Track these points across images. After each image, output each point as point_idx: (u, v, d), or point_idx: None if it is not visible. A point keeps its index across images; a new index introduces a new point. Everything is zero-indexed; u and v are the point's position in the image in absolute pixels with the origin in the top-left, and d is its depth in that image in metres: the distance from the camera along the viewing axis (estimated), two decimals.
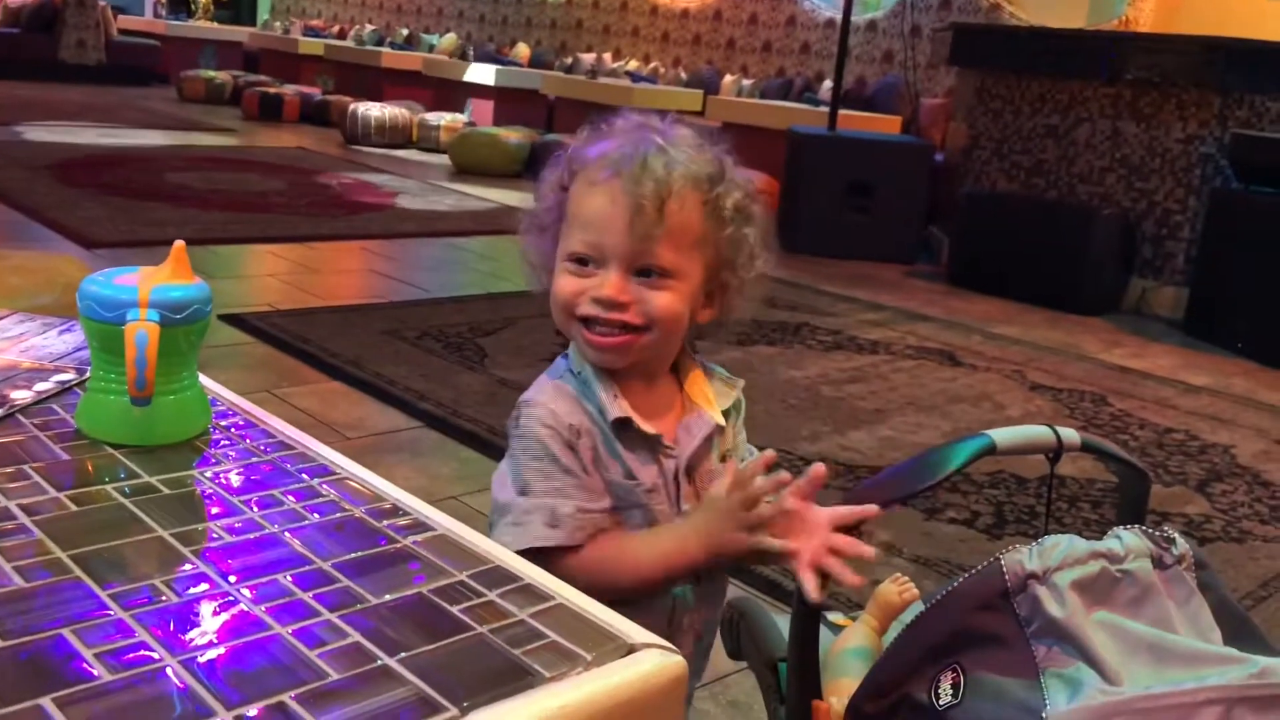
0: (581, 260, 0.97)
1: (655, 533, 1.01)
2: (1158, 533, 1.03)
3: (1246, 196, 4.12)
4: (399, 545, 0.57)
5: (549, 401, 1.01)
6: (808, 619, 1.10)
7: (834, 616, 1.36)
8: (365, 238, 4.66)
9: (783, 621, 1.21)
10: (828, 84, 6.42)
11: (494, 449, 2.43)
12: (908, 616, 1.12)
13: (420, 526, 0.60)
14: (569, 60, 8.99)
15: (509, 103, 7.94)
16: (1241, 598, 2.19)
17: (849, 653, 1.24)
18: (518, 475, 1.00)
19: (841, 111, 5.55)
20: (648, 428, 1.01)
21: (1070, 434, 1.17)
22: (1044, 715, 0.90)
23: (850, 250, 5.06)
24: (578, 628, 0.49)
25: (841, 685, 1.13)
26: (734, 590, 1.93)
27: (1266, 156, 4.08)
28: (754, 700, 1.50)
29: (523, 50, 9.51)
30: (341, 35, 11.38)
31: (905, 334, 3.83)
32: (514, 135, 6.88)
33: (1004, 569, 0.99)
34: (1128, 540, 1.01)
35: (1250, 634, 0.97)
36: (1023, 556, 1.00)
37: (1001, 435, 1.13)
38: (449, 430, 2.53)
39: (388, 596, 0.52)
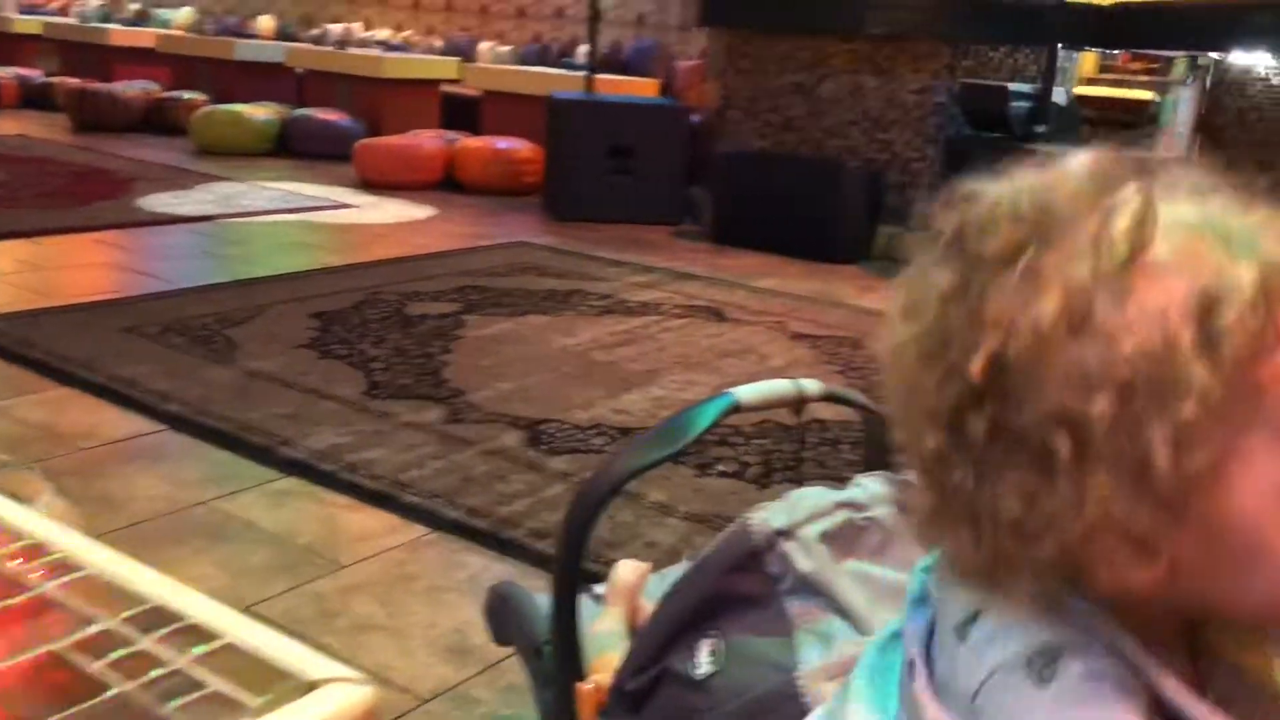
0: None
1: None
2: (899, 476, 1.04)
3: (977, 141, 4.37)
4: (36, 594, 0.49)
5: None
6: (566, 600, 1.07)
7: (602, 589, 1.33)
8: (100, 229, 4.31)
9: (548, 604, 1.17)
10: (584, 49, 6.39)
11: (246, 447, 2.30)
12: (656, 590, 1.10)
13: (66, 567, 0.52)
14: (317, 32, 8.60)
15: (254, 78, 7.53)
16: None
17: (610, 631, 1.21)
18: None
19: (599, 76, 5.54)
20: None
21: (811, 385, 1.17)
22: (795, 674, 0.90)
23: (617, 214, 5.06)
24: (247, 669, 0.43)
25: (605, 663, 1.10)
26: (500, 569, 1.90)
27: (991, 103, 4.33)
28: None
29: (265, 23, 9.03)
30: (63, 12, 10.49)
31: (673, 294, 3.86)
32: (261, 112, 6.53)
33: (750, 529, 0.98)
34: (870, 487, 1.02)
35: None
36: (769, 515, 0.99)
37: (745, 392, 1.12)
38: (196, 431, 2.37)
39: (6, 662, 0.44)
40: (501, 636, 1.30)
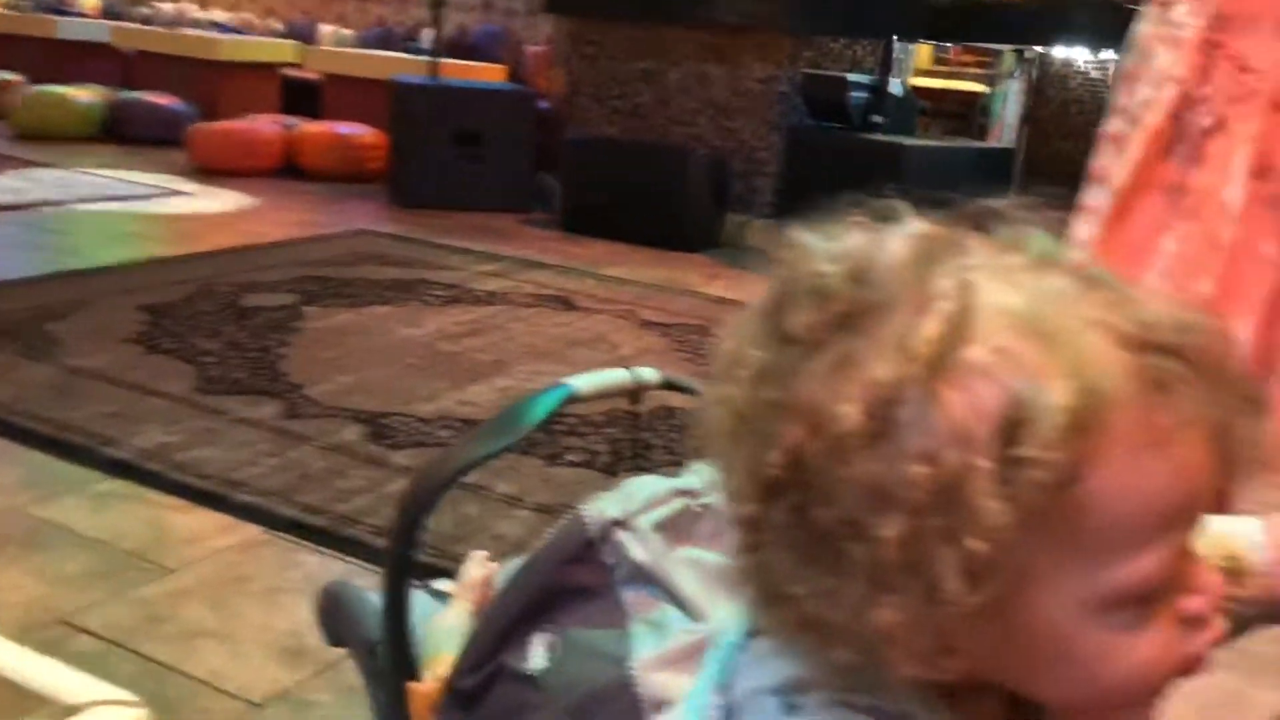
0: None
1: None
2: None
3: (817, 131, 4.46)
4: None
5: None
6: (398, 596, 1.03)
7: (441, 585, 1.30)
8: None
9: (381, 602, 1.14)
10: (429, 33, 6.26)
11: (65, 448, 2.16)
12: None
13: None
14: (147, 10, 8.20)
15: (78, 58, 7.13)
16: None
17: (448, 628, 1.18)
18: None
19: (445, 61, 5.43)
20: None
21: (650, 374, 1.17)
22: (630, 664, 0.89)
23: (464, 201, 4.98)
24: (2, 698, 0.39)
25: (441, 662, 1.07)
26: (339, 568, 1.84)
27: (831, 93, 4.43)
28: None
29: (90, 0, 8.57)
30: None
31: (522, 282, 3.82)
32: (85, 94, 6.19)
33: (585, 520, 0.97)
34: (706, 474, 1.02)
35: None
36: (604, 504, 0.98)
37: (582, 382, 1.11)
38: (10, 433, 2.22)
39: None
40: (334, 637, 1.25)
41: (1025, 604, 0.43)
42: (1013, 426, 0.40)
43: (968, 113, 5.44)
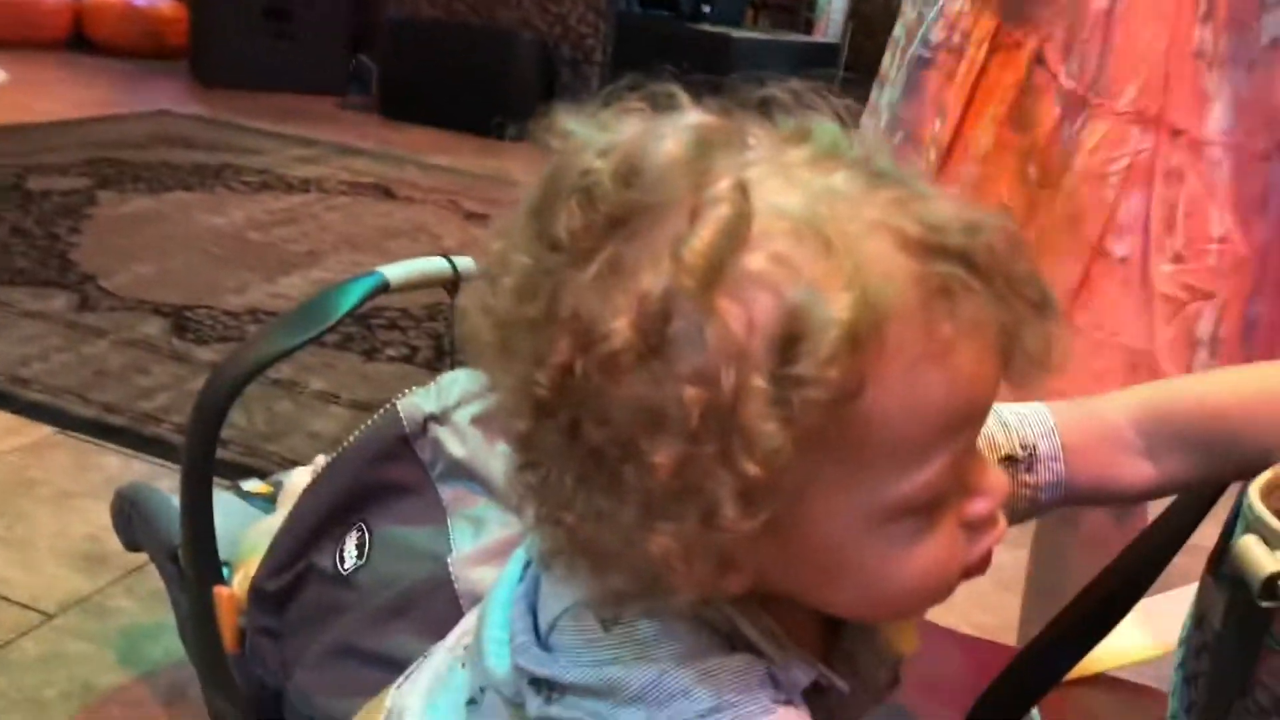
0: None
1: None
2: None
3: (646, 19, 4.39)
4: None
5: None
6: (198, 497, 0.97)
7: (250, 485, 1.24)
8: None
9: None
10: None
11: None
12: None
13: None
14: None
15: None
16: None
17: (268, 530, 1.12)
18: None
19: None
20: None
21: (467, 263, 1.12)
22: (448, 560, 0.87)
23: (274, 82, 4.70)
24: None
25: (250, 565, 1.02)
26: (142, 469, 1.74)
27: None
28: None
29: None
30: None
31: (338, 169, 3.66)
32: None
33: (401, 414, 0.93)
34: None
35: None
36: (420, 399, 0.94)
37: (395, 271, 1.06)
38: None
39: None
40: (131, 542, 1.19)
41: (805, 521, 0.41)
42: (789, 343, 0.38)
43: (796, 6, 5.45)
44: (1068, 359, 0.43)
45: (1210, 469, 0.56)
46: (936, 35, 0.96)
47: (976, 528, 0.44)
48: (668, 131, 0.41)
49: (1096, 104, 0.92)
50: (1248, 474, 0.55)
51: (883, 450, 0.40)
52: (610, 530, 0.41)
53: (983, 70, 0.95)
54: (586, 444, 0.40)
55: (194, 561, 0.98)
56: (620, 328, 0.38)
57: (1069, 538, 0.99)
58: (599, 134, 0.43)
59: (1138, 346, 0.91)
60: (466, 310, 0.45)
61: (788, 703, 0.43)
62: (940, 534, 0.43)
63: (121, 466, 1.74)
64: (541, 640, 0.47)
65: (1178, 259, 0.91)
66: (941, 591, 0.45)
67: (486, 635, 0.52)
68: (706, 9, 4.42)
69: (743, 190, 0.39)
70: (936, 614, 0.52)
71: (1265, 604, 0.42)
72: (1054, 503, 0.56)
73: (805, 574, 0.43)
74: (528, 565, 0.50)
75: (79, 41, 5.07)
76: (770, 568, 0.43)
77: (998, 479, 0.45)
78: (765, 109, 0.44)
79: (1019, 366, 0.43)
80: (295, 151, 3.82)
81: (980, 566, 0.45)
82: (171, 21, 5.09)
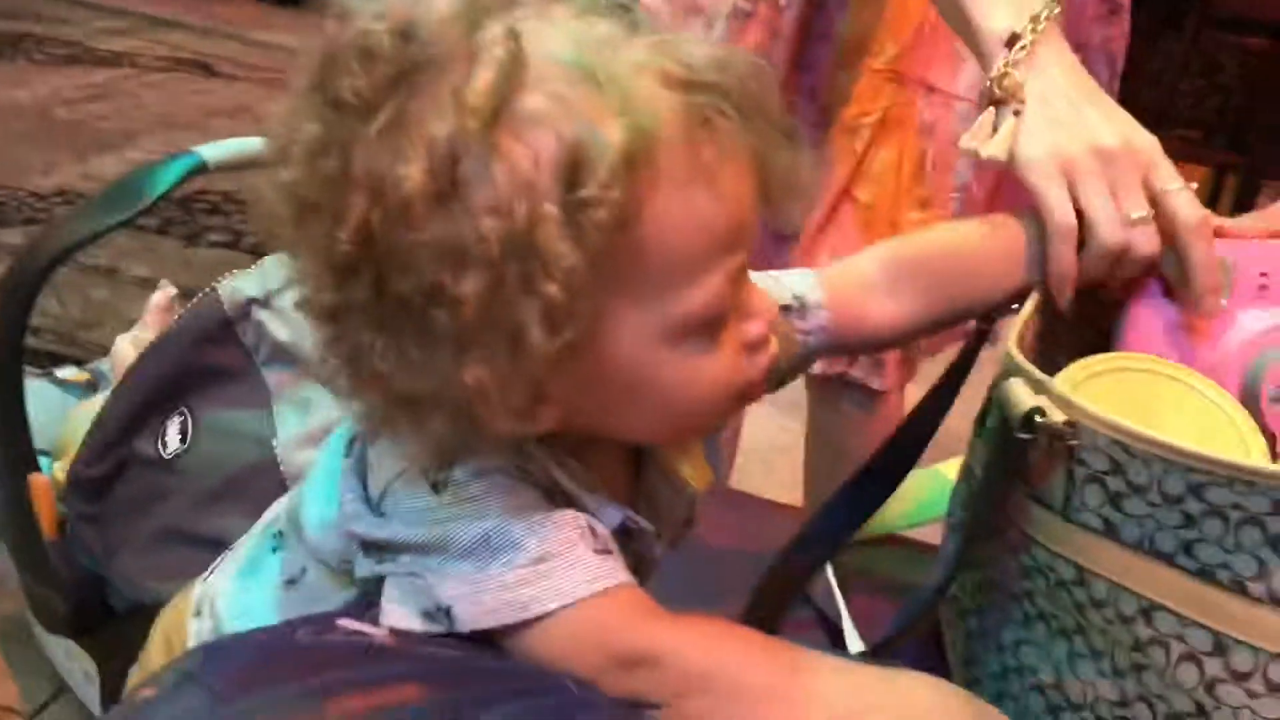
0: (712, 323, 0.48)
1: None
2: None
3: None
4: None
5: None
6: (7, 385, 0.94)
7: (66, 373, 1.20)
8: None
9: None
10: None
11: None
12: None
13: None
14: None
15: None
16: None
17: (84, 418, 1.09)
18: None
19: None
20: None
21: None
22: (274, 443, 0.87)
23: None
24: None
25: (73, 452, 1.00)
26: None
27: None
28: None
29: None
30: None
31: (154, 43, 3.45)
32: None
33: (222, 298, 0.92)
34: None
35: None
36: (242, 282, 0.93)
37: (213, 151, 1.03)
38: None
39: None
40: None
41: (604, 343, 0.45)
42: (573, 170, 0.41)
43: None
44: (813, 187, 0.49)
45: (942, 306, 0.65)
46: None
47: (754, 348, 0.49)
48: None
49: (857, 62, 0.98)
50: (971, 312, 0.66)
51: (665, 268, 0.44)
52: (425, 377, 0.43)
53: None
54: (393, 297, 0.42)
55: (6, 450, 0.95)
56: (412, 173, 0.41)
57: (835, 418, 1.09)
58: (370, 2, 0.44)
59: None
60: (260, 190, 0.46)
61: (605, 552, 0.47)
62: (723, 352, 0.48)
63: None
64: (374, 507, 0.49)
65: (924, 205, 0.99)
66: (730, 406, 0.50)
67: (307, 513, 0.53)
68: None
69: (515, 38, 0.42)
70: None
71: (1023, 435, 0.48)
72: (823, 348, 0.62)
73: (609, 399, 0.47)
74: (352, 441, 0.52)
75: None
76: (577, 396, 0.46)
77: (766, 302, 0.51)
78: None
79: (774, 192, 0.48)
80: (106, 23, 3.57)
81: (758, 387, 0.51)
82: None
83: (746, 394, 0.50)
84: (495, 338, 0.42)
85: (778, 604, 0.65)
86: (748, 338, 0.49)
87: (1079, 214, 0.61)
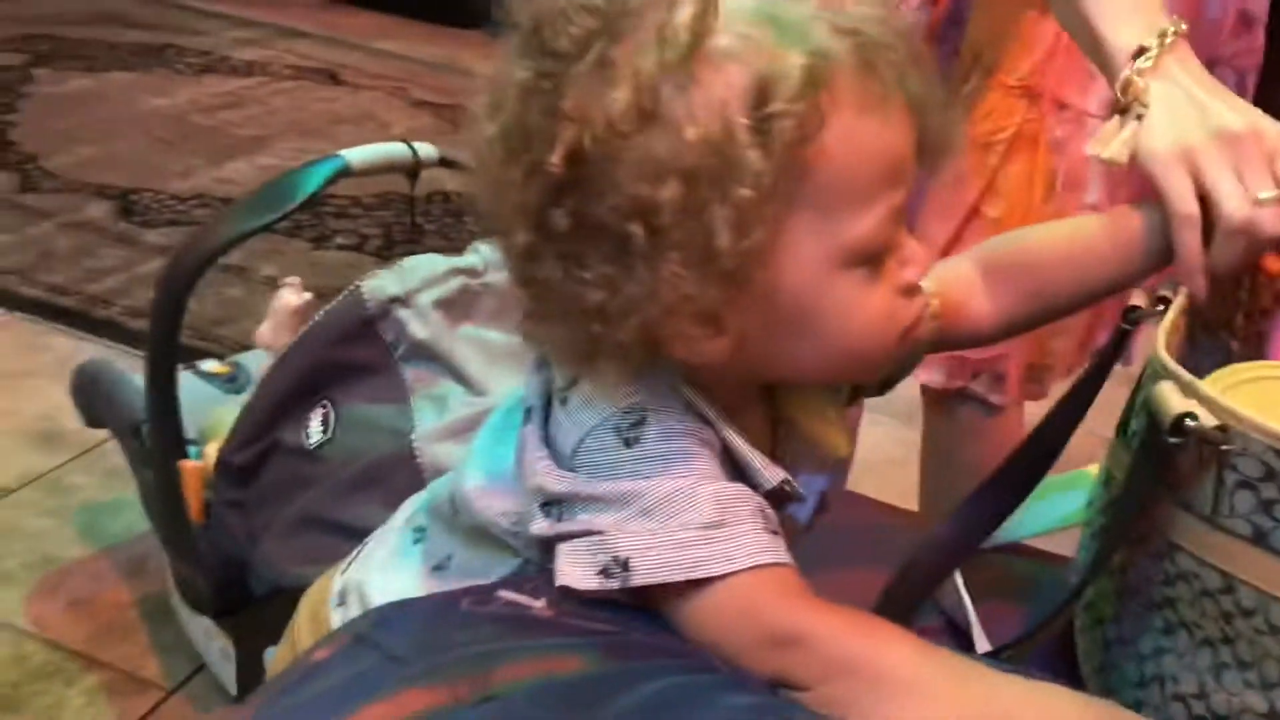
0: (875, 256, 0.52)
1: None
2: None
3: None
4: None
5: None
6: (163, 373, 1.00)
7: (208, 365, 1.26)
8: None
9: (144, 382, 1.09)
10: None
11: None
12: None
13: None
14: None
15: None
16: None
17: (232, 409, 1.14)
18: None
19: None
20: None
21: (428, 149, 1.14)
22: (411, 436, 0.91)
23: None
24: None
25: (219, 441, 1.05)
26: (92, 350, 1.75)
27: None
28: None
29: None
30: None
31: (283, 53, 3.57)
32: None
33: (365, 296, 0.96)
34: (487, 253, 1.02)
35: None
36: (384, 281, 0.97)
37: (356, 155, 1.08)
38: None
39: None
40: (92, 418, 1.21)
41: (781, 259, 0.48)
42: (761, 91, 0.46)
43: None
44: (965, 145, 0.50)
45: (1042, 302, 0.66)
46: None
47: (909, 293, 0.52)
48: None
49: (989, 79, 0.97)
50: (1079, 305, 0.67)
51: (840, 187, 0.48)
52: (621, 294, 0.47)
53: None
54: (592, 222, 0.47)
55: (160, 436, 1.01)
56: (619, 96, 0.46)
57: (951, 429, 1.08)
58: None
59: None
60: (468, 155, 0.51)
61: (774, 533, 0.50)
62: (882, 288, 0.51)
63: (72, 348, 1.74)
64: (563, 462, 0.51)
65: None
66: (888, 345, 0.52)
67: (469, 482, 0.56)
68: None
69: None
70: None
71: (1173, 440, 0.48)
72: (934, 339, 0.63)
73: (779, 326, 0.50)
74: (529, 411, 0.54)
75: None
76: (750, 323, 0.49)
77: (921, 251, 0.53)
78: None
79: (928, 144, 0.52)
80: (238, 33, 3.71)
81: (915, 328, 0.54)
82: None
83: (905, 335, 0.53)
84: (688, 243, 0.46)
85: (906, 608, 0.65)
86: (904, 281, 0.52)
87: (1204, 200, 0.60)
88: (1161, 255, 0.63)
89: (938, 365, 1.02)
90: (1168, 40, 0.64)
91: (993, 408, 1.04)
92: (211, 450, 1.01)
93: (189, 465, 1.00)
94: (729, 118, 0.45)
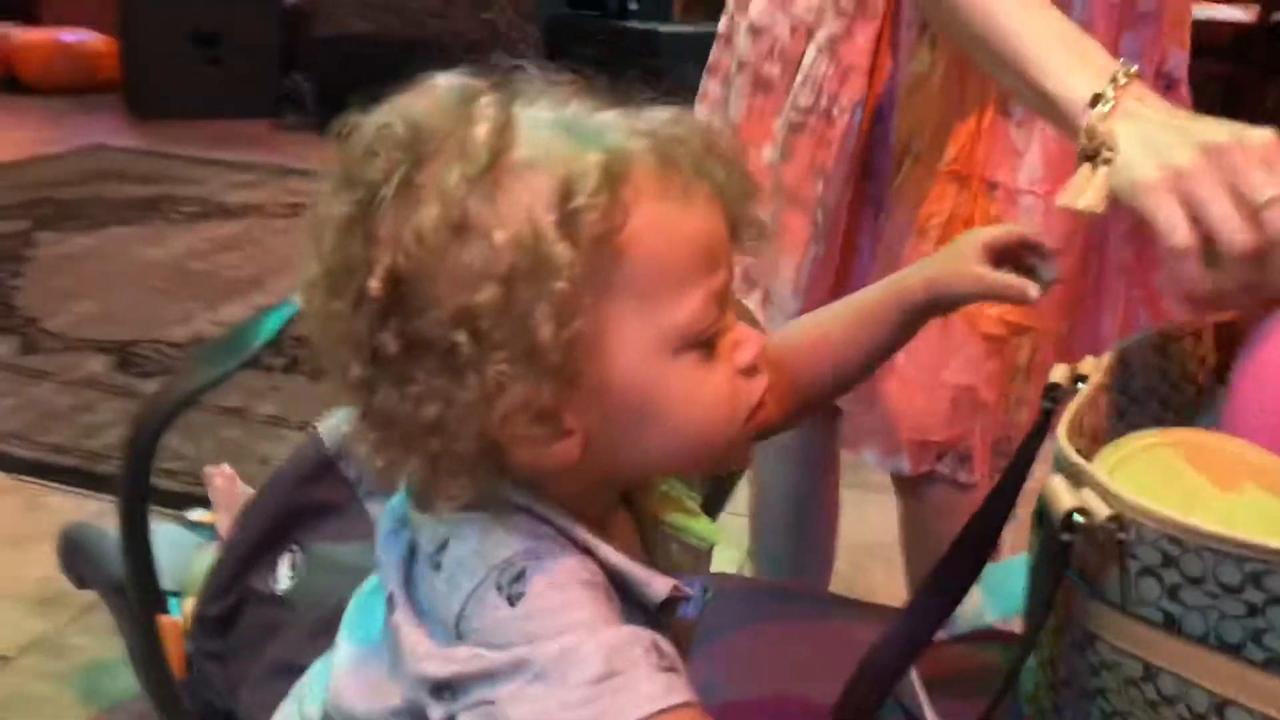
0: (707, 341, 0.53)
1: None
2: None
3: (575, 19, 4.42)
4: None
5: None
6: (134, 530, 1.01)
7: (195, 515, 1.27)
8: None
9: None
10: None
11: None
12: None
13: None
14: None
15: None
16: None
17: (210, 559, 1.15)
18: None
19: None
20: None
21: None
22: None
23: (207, 109, 4.69)
24: None
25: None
26: (94, 507, 1.76)
27: None
28: None
29: None
30: None
31: (277, 192, 3.67)
32: None
33: (322, 437, 0.97)
34: None
35: None
36: (341, 420, 0.98)
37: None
38: None
39: None
40: (80, 580, 1.22)
41: (608, 352, 0.50)
42: (564, 188, 0.48)
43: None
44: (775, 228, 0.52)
45: (799, 394, 0.69)
46: (805, 99, 1.02)
47: (748, 373, 0.54)
48: (436, 83, 0.52)
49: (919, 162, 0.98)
50: (840, 390, 0.72)
51: (653, 275, 0.50)
52: (455, 406, 0.48)
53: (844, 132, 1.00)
54: (419, 340, 0.48)
55: (136, 592, 1.01)
56: (430, 213, 0.48)
57: (923, 511, 1.07)
58: (380, 111, 0.52)
59: (961, 382, 0.98)
60: (299, 295, 0.53)
61: (670, 670, 0.48)
62: (720, 371, 0.52)
63: (73, 506, 1.76)
64: (447, 635, 0.50)
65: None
66: (735, 427, 0.54)
67: (350, 692, 0.57)
68: (633, 5, 4.45)
69: (505, 106, 0.51)
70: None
71: (1065, 537, 0.47)
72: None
73: (624, 421, 0.51)
74: (390, 599, 0.54)
75: (11, 83, 5.01)
76: (593, 421, 0.50)
77: (753, 333, 0.55)
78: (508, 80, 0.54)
79: (739, 227, 0.54)
80: (234, 177, 3.82)
81: (761, 413, 0.55)
82: (102, 55, 5.05)
83: (752, 416, 0.54)
84: (513, 343, 0.47)
85: (865, 708, 0.64)
86: (742, 362, 0.53)
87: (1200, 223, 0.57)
88: (902, 328, 0.69)
89: (901, 453, 1.02)
90: (1121, 82, 0.64)
91: (965, 486, 1.04)
92: (188, 604, 1.01)
93: (166, 620, 0.99)
94: (535, 218, 0.47)
